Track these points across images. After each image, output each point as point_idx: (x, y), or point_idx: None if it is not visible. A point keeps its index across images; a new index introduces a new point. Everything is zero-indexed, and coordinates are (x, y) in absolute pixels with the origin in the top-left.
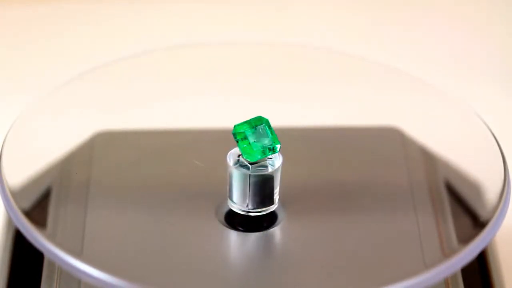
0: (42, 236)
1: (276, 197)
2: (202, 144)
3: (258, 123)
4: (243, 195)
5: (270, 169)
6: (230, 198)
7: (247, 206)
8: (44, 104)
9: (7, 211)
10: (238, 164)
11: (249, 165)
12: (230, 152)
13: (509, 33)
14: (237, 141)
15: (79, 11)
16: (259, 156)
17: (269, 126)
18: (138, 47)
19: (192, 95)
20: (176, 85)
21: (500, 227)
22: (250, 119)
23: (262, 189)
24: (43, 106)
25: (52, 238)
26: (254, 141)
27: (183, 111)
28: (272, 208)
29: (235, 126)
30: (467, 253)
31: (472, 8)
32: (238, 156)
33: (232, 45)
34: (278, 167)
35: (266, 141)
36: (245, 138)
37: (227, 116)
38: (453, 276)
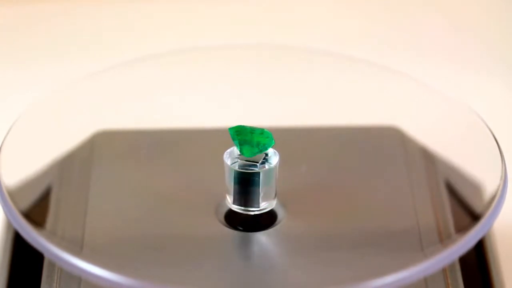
0: (39, 235)
1: (275, 196)
2: (202, 143)
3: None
4: (241, 194)
5: (267, 167)
6: (228, 196)
7: (245, 204)
8: (44, 103)
9: (4, 211)
10: (235, 163)
11: (246, 163)
12: (227, 151)
13: (508, 31)
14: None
15: (80, 11)
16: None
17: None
18: (138, 48)
19: (191, 95)
20: (176, 85)
21: (496, 219)
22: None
23: (260, 187)
24: (43, 106)
25: (50, 238)
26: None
27: (183, 111)
28: (270, 206)
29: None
30: (464, 243)
31: (471, 8)
32: (238, 155)
33: (232, 46)
34: (275, 164)
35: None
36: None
37: (226, 116)
38: (453, 276)
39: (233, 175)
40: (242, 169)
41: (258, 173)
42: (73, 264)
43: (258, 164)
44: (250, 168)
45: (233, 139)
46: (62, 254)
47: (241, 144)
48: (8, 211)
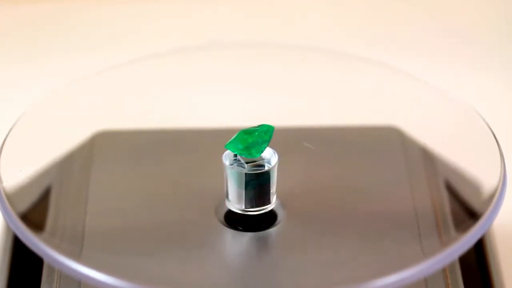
0: (38, 239)
1: (274, 196)
2: (202, 143)
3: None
4: (241, 194)
5: (266, 167)
6: (228, 197)
7: (244, 205)
8: (45, 104)
9: (2, 215)
10: (234, 164)
11: (245, 164)
12: (225, 152)
13: (509, 31)
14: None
15: (79, 11)
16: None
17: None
18: (138, 48)
19: (191, 95)
20: (176, 85)
21: (495, 218)
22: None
23: (259, 187)
24: (43, 106)
25: (49, 241)
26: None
27: (182, 111)
28: (270, 207)
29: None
30: (464, 243)
31: (471, 7)
32: (234, 156)
33: (231, 45)
34: (274, 165)
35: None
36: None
37: (226, 116)
38: (453, 276)
39: (244, 179)
40: (252, 170)
41: (258, 174)
42: (72, 268)
43: (264, 161)
44: (259, 168)
45: (235, 149)
46: (61, 259)
47: (248, 148)
48: (7, 215)
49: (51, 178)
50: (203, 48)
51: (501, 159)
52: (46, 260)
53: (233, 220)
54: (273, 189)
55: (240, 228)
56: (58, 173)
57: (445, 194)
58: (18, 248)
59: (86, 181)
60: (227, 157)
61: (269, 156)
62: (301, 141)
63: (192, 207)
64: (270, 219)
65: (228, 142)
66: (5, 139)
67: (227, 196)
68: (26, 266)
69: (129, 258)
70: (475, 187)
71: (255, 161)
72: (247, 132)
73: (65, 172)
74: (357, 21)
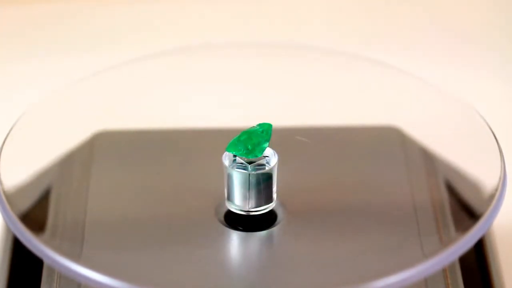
0: (37, 240)
1: (274, 196)
2: (202, 143)
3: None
4: (241, 195)
5: (267, 168)
6: (228, 198)
7: (245, 205)
8: (45, 104)
9: (2, 216)
10: (234, 165)
11: (246, 164)
12: (225, 153)
13: (509, 31)
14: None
15: (80, 11)
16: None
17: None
18: (138, 48)
19: (191, 95)
20: (176, 85)
21: (495, 218)
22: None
23: (260, 188)
24: (43, 107)
25: (49, 242)
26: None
27: (182, 111)
28: (270, 207)
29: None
30: (464, 243)
31: (471, 7)
32: (234, 156)
33: (231, 45)
34: (274, 165)
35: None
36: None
37: (226, 116)
38: (453, 276)
39: (248, 180)
40: (255, 170)
41: (258, 174)
42: (72, 270)
43: (258, 165)
44: (261, 167)
45: (237, 151)
46: (60, 260)
47: (250, 149)
48: (7, 215)
49: (51, 178)
50: (203, 48)
51: (501, 159)
52: (45, 261)
53: (233, 220)
54: (274, 187)
55: (240, 228)
56: (58, 173)
57: (445, 194)
58: (18, 249)
59: (86, 181)
60: (226, 158)
61: (269, 155)
62: (300, 141)
63: (192, 207)
64: (270, 219)
65: (228, 145)
66: (5, 139)
67: (228, 198)
68: (26, 266)
69: (129, 259)
70: (475, 187)
71: (256, 161)
72: (249, 133)
73: (65, 172)
74: (357, 21)
